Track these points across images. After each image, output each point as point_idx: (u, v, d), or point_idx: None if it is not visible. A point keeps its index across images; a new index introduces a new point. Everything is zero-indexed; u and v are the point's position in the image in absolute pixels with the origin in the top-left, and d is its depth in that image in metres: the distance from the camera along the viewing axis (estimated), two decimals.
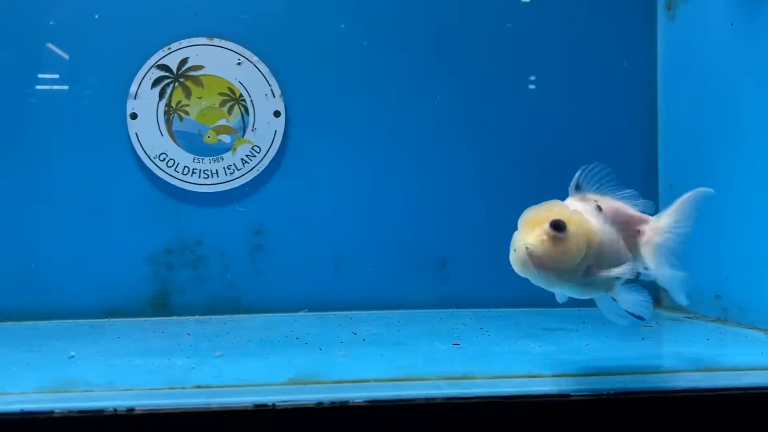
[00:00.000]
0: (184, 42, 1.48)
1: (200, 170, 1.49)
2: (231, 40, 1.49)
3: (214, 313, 1.48)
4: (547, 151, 1.53)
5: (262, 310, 1.49)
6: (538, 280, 0.76)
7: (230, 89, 1.50)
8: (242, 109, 1.50)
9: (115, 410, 0.72)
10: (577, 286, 0.77)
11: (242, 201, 1.50)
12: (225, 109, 1.50)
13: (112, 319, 1.41)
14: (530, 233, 0.74)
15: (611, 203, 0.83)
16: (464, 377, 0.78)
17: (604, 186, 0.84)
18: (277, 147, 1.50)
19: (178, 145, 1.48)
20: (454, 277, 1.51)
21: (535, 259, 0.73)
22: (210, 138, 1.50)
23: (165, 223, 1.48)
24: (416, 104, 1.52)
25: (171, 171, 1.48)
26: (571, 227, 0.74)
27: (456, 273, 1.51)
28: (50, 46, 1.44)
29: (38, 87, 1.43)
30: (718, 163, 1.35)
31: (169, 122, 1.48)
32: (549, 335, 1.10)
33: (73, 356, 0.95)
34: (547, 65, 1.54)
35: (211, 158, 1.49)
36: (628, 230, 0.83)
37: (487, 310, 1.43)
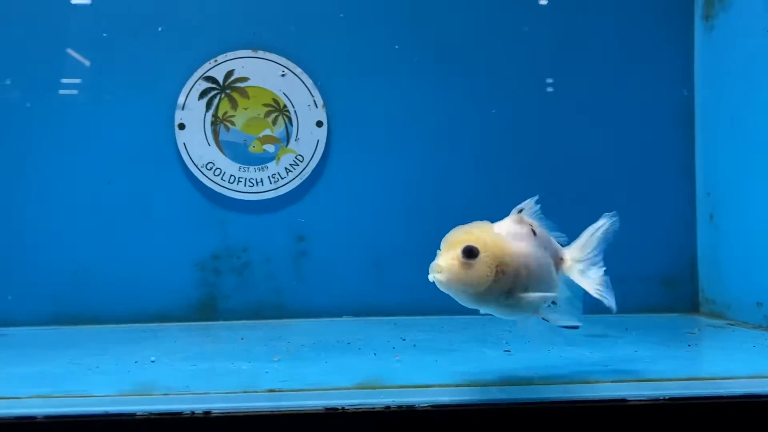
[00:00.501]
0: (230, 54, 1.53)
1: (246, 179, 1.53)
2: (275, 53, 1.53)
3: (258, 318, 1.53)
4: (585, 160, 1.55)
5: (305, 315, 1.52)
6: (458, 300, 0.80)
7: (275, 100, 1.54)
8: (286, 120, 1.54)
9: (193, 413, 0.76)
10: (496, 307, 0.80)
11: (286, 209, 1.55)
12: (270, 119, 1.54)
13: (162, 324, 1.46)
14: (444, 256, 0.78)
15: (541, 230, 0.86)
16: (527, 383, 0.81)
17: (536, 215, 0.88)
18: (319, 156, 1.54)
19: (225, 155, 1.53)
20: None
21: (445, 282, 0.77)
22: (255, 148, 1.54)
23: (212, 231, 1.52)
24: (456, 111, 1.55)
25: (218, 180, 1.53)
26: (485, 253, 0.76)
27: None
28: (101, 58, 1.50)
29: (92, 99, 1.49)
30: (757, 172, 1.36)
31: (215, 132, 1.53)
32: (595, 342, 1.12)
33: (153, 361, 1.00)
34: (584, 76, 1.56)
35: (256, 167, 1.53)
36: (554, 258, 0.88)
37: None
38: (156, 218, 1.51)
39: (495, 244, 0.78)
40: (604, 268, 0.90)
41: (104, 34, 1.48)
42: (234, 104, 1.53)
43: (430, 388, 0.79)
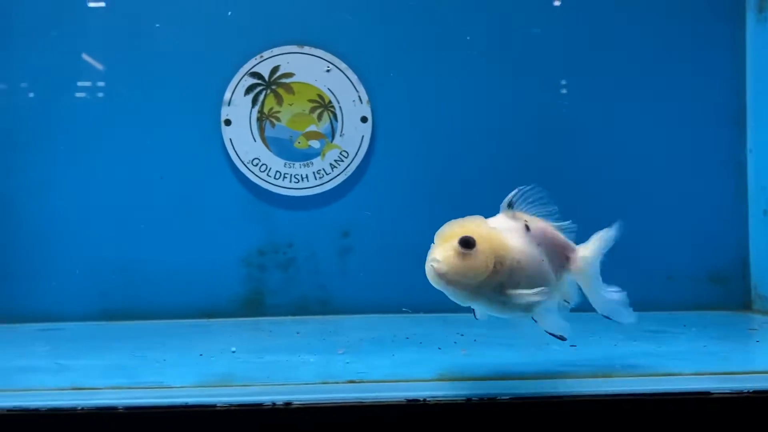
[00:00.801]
0: (276, 50, 1.53)
1: (291, 175, 1.53)
2: (321, 48, 1.53)
3: (303, 313, 1.52)
4: (636, 157, 1.53)
5: (350, 311, 1.52)
6: (450, 295, 0.78)
7: (320, 96, 1.54)
8: (331, 116, 1.54)
9: (274, 404, 0.76)
10: (489, 303, 0.78)
11: (331, 205, 1.55)
12: (315, 115, 1.54)
13: (210, 320, 1.46)
14: (440, 248, 0.76)
15: (541, 225, 0.83)
16: (607, 375, 0.80)
17: (536, 207, 0.85)
18: (364, 151, 1.54)
19: (270, 151, 1.53)
20: None
21: (441, 274, 0.75)
22: (300, 143, 1.54)
23: (258, 226, 1.52)
24: (502, 106, 1.54)
25: (263, 175, 1.53)
26: (482, 245, 0.74)
27: None
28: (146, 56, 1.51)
29: (141, 95, 1.49)
30: None
31: (261, 128, 1.53)
32: (657, 338, 1.10)
33: (234, 351, 1.00)
34: (634, 72, 1.54)
35: (301, 163, 1.53)
36: (557, 255, 0.84)
37: (576, 313, 1.44)
38: (202, 214, 1.51)
39: (491, 236, 0.76)
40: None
41: (153, 29, 1.49)
42: (279, 100, 1.53)
43: (510, 381, 0.79)
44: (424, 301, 1.52)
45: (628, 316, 0.87)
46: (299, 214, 1.54)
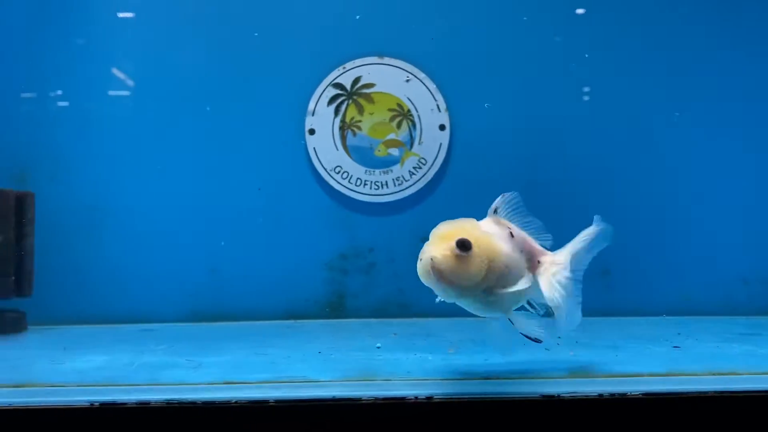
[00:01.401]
0: (357, 61, 1.58)
1: (371, 182, 1.58)
2: (400, 59, 1.58)
3: (384, 316, 1.57)
4: (708, 161, 1.57)
5: (428, 314, 1.55)
6: (439, 292, 0.81)
7: (399, 105, 1.59)
8: (410, 124, 1.59)
9: (416, 398, 0.80)
10: (476, 302, 0.82)
11: (410, 211, 1.59)
12: (394, 123, 1.59)
13: (296, 321, 1.52)
14: (437, 246, 0.79)
15: (520, 232, 0.87)
16: (730, 373, 0.83)
17: (516, 214, 0.89)
18: (442, 159, 1.58)
19: (352, 159, 1.58)
20: (616, 285, 1.56)
21: (436, 272, 0.78)
22: (380, 151, 1.59)
23: (340, 232, 1.58)
24: (577, 113, 1.58)
25: (345, 183, 1.58)
26: (476, 248, 0.78)
27: (618, 281, 1.56)
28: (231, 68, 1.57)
29: (228, 106, 1.55)
30: None
31: (343, 137, 1.58)
32: (754, 339, 1.13)
33: (379, 347, 1.05)
34: (703, 72, 1.58)
35: (381, 170, 1.58)
36: (531, 260, 0.87)
37: (657, 317, 1.47)
38: (287, 219, 1.57)
39: (485, 239, 0.80)
40: (580, 284, 0.89)
41: (240, 43, 1.55)
42: (360, 109, 1.59)
43: (640, 378, 0.82)
44: None
45: (567, 327, 0.87)
46: (379, 219, 1.59)
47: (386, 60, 1.59)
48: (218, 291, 1.54)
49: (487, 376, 0.83)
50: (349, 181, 1.58)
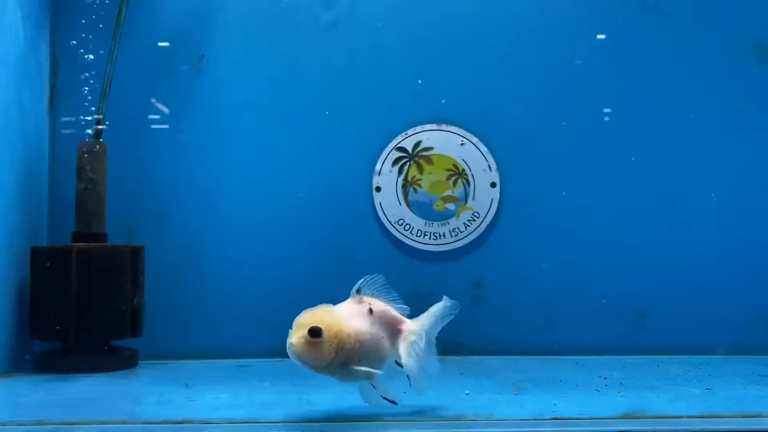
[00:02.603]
0: (418, 128, 1.80)
1: (431, 233, 1.79)
2: (456, 125, 1.79)
3: (441, 353, 1.73)
4: (746, 210, 1.76)
5: (480, 352, 1.75)
6: (304, 369, 1.00)
7: (455, 165, 1.80)
8: (464, 182, 1.79)
9: None
10: (335, 375, 1.02)
11: (465, 258, 1.79)
12: (450, 181, 1.80)
13: None
14: (295, 334, 0.99)
15: (381, 306, 1.08)
16: (758, 415, 1.00)
17: (378, 291, 1.11)
18: (493, 213, 1.79)
19: (413, 212, 1.79)
20: (650, 326, 1.74)
21: (295, 355, 0.98)
22: (438, 206, 1.79)
23: (403, 277, 1.77)
24: (615, 168, 1.78)
25: (407, 233, 1.78)
26: (326, 333, 0.97)
27: (653, 323, 1.74)
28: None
29: (309, 167, 1.76)
30: None
31: (406, 194, 1.79)
32: None
33: (467, 394, 1.24)
34: None
35: (439, 223, 1.79)
36: (393, 329, 1.08)
37: (688, 357, 1.65)
38: (357, 265, 1.76)
39: (335, 324, 1.00)
40: (434, 347, 1.12)
41: (319, 113, 1.77)
42: (421, 169, 1.80)
43: (679, 419, 1.00)
44: (549, 343, 1.77)
45: (420, 388, 1.07)
46: (438, 266, 1.79)
47: (443, 126, 1.80)
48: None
49: (554, 417, 1.02)
50: (411, 232, 1.79)
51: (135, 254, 1.59)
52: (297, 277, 1.76)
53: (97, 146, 1.60)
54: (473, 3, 1.80)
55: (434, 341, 1.13)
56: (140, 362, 1.60)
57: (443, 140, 1.80)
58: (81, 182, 1.59)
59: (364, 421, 1.03)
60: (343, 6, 1.79)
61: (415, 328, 1.10)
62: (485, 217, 1.79)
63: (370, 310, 1.06)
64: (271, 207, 1.76)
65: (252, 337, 1.73)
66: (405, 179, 1.80)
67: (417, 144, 1.80)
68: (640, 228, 1.77)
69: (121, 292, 1.54)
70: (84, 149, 1.59)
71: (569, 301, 1.75)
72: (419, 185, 1.80)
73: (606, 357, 1.68)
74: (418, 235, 1.79)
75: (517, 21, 1.79)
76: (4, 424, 1.01)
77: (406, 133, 1.80)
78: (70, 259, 1.50)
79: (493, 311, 1.76)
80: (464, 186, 1.80)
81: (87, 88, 1.70)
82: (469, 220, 1.79)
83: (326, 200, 1.77)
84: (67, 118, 1.73)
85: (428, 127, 1.80)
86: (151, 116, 1.76)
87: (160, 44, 1.75)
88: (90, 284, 1.51)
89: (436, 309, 1.13)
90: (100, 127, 1.61)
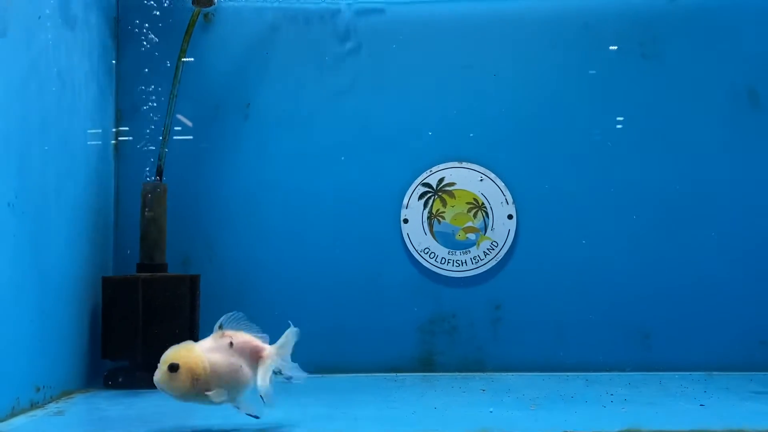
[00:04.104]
0: (442, 165, 1.99)
1: (453, 260, 1.97)
2: (476, 163, 1.98)
3: (465, 371, 1.94)
4: (742, 242, 1.93)
5: (501, 369, 1.93)
6: (170, 397, 1.20)
7: (475, 199, 1.98)
8: (484, 214, 1.98)
9: None
10: (198, 401, 1.21)
11: (484, 284, 1.97)
12: (471, 214, 1.98)
13: (397, 374, 1.90)
14: (160, 369, 1.19)
15: (243, 338, 1.26)
16: (743, 430, 1.17)
17: (239, 325, 1.29)
18: (510, 242, 1.97)
19: (437, 242, 1.97)
20: (654, 346, 1.91)
21: (159, 387, 1.19)
22: (460, 236, 1.98)
23: (428, 301, 1.96)
24: (619, 202, 1.95)
25: (432, 261, 1.97)
26: (183, 368, 1.18)
27: (656, 342, 1.91)
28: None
29: (342, 199, 1.96)
30: None
31: (430, 225, 1.98)
32: (765, 398, 1.46)
33: (491, 412, 1.38)
34: None
35: (461, 251, 1.97)
36: (256, 356, 1.27)
37: (688, 373, 1.82)
38: (387, 290, 1.96)
39: (192, 359, 1.20)
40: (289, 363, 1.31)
41: (352, 150, 1.97)
42: (444, 203, 1.98)
43: None
44: (561, 360, 1.94)
45: (269, 403, 1.25)
46: (460, 291, 1.97)
47: (464, 164, 1.99)
48: (336, 348, 1.94)
49: (566, 430, 1.19)
50: (435, 260, 1.97)
51: (192, 282, 1.79)
52: (333, 300, 1.95)
53: (159, 187, 1.81)
54: (490, 57, 1.99)
55: (289, 360, 1.34)
56: None
57: (464, 176, 1.99)
58: (144, 219, 1.80)
59: None
60: (374, 58, 1.99)
61: (269, 352, 1.30)
62: (503, 246, 1.97)
63: (231, 344, 1.25)
64: (309, 238, 1.96)
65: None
66: (430, 212, 1.98)
67: (440, 180, 1.99)
68: (645, 255, 1.94)
69: (181, 315, 1.75)
70: (147, 189, 1.80)
71: (580, 322, 1.93)
72: (443, 217, 1.98)
73: (613, 373, 1.86)
74: (442, 262, 1.97)
75: (527, 73, 1.98)
76: None
77: (431, 170, 1.99)
78: (136, 288, 1.71)
79: (511, 332, 1.94)
80: (484, 218, 1.98)
81: (147, 136, 1.93)
82: (488, 249, 1.97)
83: (360, 231, 1.97)
84: (130, 162, 1.95)
85: (451, 164, 1.99)
86: (203, 159, 1.97)
87: (210, 95, 1.97)
88: (154, 309, 1.72)
89: (285, 336, 1.34)
90: (160, 169, 1.83)
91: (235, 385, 1.24)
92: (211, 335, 1.26)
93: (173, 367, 1.18)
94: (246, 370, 1.25)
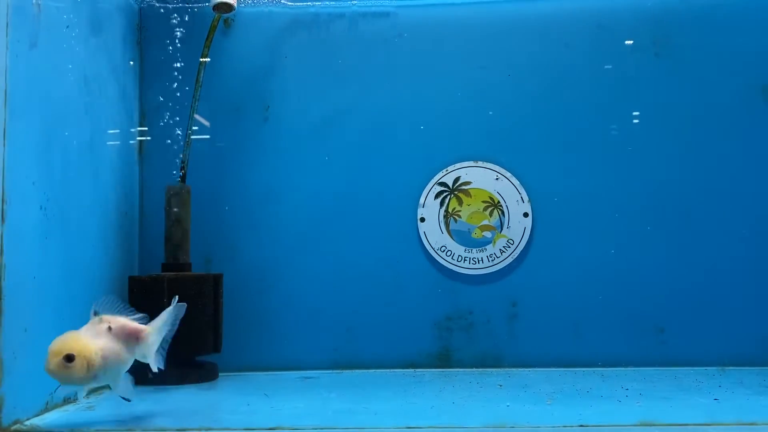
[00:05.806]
0: (458, 165, 2.02)
1: (470, 258, 2.00)
2: (491, 162, 2.01)
3: (481, 366, 1.97)
4: (756, 235, 1.94)
5: (517, 365, 1.96)
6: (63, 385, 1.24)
7: (491, 198, 2.01)
8: (499, 212, 2.01)
9: None
10: (90, 385, 1.25)
11: (501, 281, 2.00)
12: (487, 212, 2.01)
13: (415, 370, 1.94)
14: (52, 361, 1.18)
15: (120, 321, 1.28)
16: (753, 423, 1.19)
17: (114, 309, 1.31)
18: (526, 240, 1.99)
19: (454, 240, 2.01)
20: (669, 341, 1.93)
21: (57, 378, 1.20)
22: (476, 234, 2.01)
23: (445, 298, 2.00)
24: (634, 198, 1.97)
25: (449, 259, 2.00)
26: (78, 357, 1.19)
27: (671, 337, 1.93)
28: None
29: (362, 198, 2.00)
30: None
31: (447, 223, 2.01)
32: None
33: (549, 403, 1.42)
34: None
35: (477, 249, 2.00)
36: (134, 338, 1.30)
37: (703, 368, 1.83)
38: (404, 288, 2.00)
39: (83, 346, 1.21)
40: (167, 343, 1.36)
41: (370, 151, 2.01)
42: (460, 202, 2.01)
43: (699, 426, 1.19)
44: (577, 356, 1.97)
45: (153, 369, 1.36)
46: (477, 288, 2.01)
47: (480, 163, 2.02)
48: (353, 344, 1.98)
49: (582, 423, 1.22)
50: (452, 258, 2.01)
51: (216, 281, 1.85)
52: (352, 297, 1.99)
53: (183, 189, 1.86)
54: (505, 58, 2.01)
55: (169, 338, 1.40)
56: (219, 374, 1.86)
57: (480, 175, 2.02)
58: (169, 220, 1.85)
59: (430, 428, 1.24)
60: (389, 60, 2.03)
61: (149, 330, 1.35)
62: (519, 243, 1.99)
63: (109, 328, 1.27)
64: (328, 237, 2.00)
65: (314, 352, 1.97)
66: (446, 210, 2.02)
67: (456, 179, 2.02)
68: (660, 251, 1.96)
69: (205, 313, 1.80)
70: (172, 191, 1.85)
71: (595, 318, 1.96)
72: (459, 216, 2.02)
73: (628, 369, 1.88)
74: (459, 260, 2.00)
75: (542, 73, 2.00)
76: (146, 430, 1.27)
77: (447, 170, 2.02)
78: (162, 287, 1.76)
79: (528, 328, 1.97)
80: (499, 216, 2.01)
81: (170, 140, 1.98)
82: (504, 247, 2.00)
83: (377, 230, 2.01)
84: (153, 164, 2.00)
85: (466, 164, 2.02)
86: (224, 160, 2.02)
87: (231, 98, 2.02)
88: None
89: (164, 314, 1.39)
90: (183, 171, 1.88)
91: (117, 368, 1.28)
92: (89, 322, 1.28)
93: (69, 358, 1.20)
94: (125, 353, 1.30)
